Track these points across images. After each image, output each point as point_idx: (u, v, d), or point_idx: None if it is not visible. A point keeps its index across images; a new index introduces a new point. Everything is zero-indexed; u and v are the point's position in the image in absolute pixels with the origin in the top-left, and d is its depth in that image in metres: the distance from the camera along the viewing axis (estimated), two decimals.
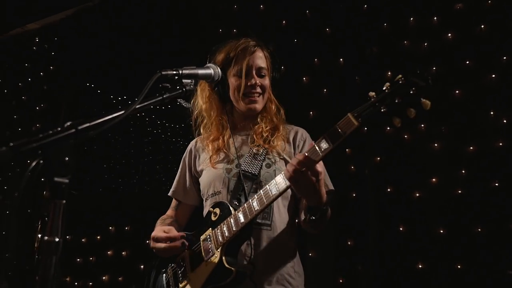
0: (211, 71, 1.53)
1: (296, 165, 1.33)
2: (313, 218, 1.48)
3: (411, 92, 1.23)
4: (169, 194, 1.96)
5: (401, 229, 2.67)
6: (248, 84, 1.70)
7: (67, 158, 0.92)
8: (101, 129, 1.02)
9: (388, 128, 2.74)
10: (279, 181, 1.45)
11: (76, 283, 3.84)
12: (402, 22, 2.89)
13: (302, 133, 1.81)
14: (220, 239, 1.55)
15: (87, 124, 0.99)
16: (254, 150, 1.70)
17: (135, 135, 3.95)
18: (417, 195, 2.69)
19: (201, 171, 1.82)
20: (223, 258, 1.52)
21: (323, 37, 3.14)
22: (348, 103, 2.92)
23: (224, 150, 1.76)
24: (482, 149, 2.57)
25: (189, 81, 1.35)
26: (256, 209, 1.47)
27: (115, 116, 1.06)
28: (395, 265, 2.63)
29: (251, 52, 1.72)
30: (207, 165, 1.77)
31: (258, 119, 1.77)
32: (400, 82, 1.25)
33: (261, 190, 1.49)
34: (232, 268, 1.48)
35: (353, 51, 3.01)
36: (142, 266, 3.54)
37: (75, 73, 4.31)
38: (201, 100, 1.83)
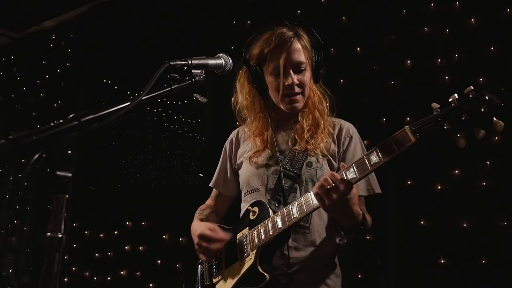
0: (222, 61, 1.47)
1: (323, 182, 1.25)
2: (347, 238, 1.39)
3: (482, 109, 1.08)
4: (210, 184, 1.93)
5: (422, 223, 2.58)
6: (286, 84, 1.59)
7: (70, 151, 0.89)
8: (105, 121, 0.99)
9: (408, 118, 2.64)
10: None
11: (95, 278, 3.88)
12: (422, 8, 2.77)
13: (349, 128, 1.71)
14: (256, 241, 1.51)
15: (91, 116, 0.95)
16: (297, 147, 1.63)
17: (152, 131, 3.96)
18: (439, 187, 2.59)
19: (241, 163, 1.77)
20: (258, 261, 1.48)
21: (340, 26, 3.05)
22: (365, 93, 2.87)
23: (266, 146, 1.69)
24: (508, 140, 2.45)
25: (199, 71, 1.31)
26: (295, 216, 1.41)
27: (120, 108, 1.02)
28: (415, 260, 2.55)
29: (287, 47, 1.59)
30: (247, 158, 1.71)
31: (299, 117, 1.69)
32: (470, 96, 1.10)
33: (302, 197, 1.43)
34: (266, 274, 1.44)
35: (371, 39, 2.91)
36: (159, 261, 3.55)
37: (92, 69, 4.34)
38: (241, 97, 1.76)
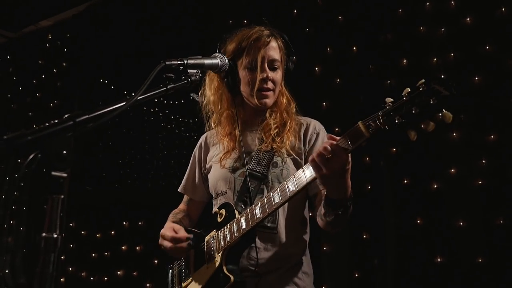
0: (217, 61, 1.48)
1: (322, 151, 1.23)
2: (335, 213, 1.36)
3: (431, 101, 1.09)
4: (179, 190, 1.92)
5: (418, 222, 2.59)
6: (260, 78, 1.59)
7: (65, 152, 0.88)
8: (101, 121, 0.98)
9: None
10: (282, 189, 1.38)
11: (91, 278, 3.87)
12: (417, 7, 2.78)
13: (315, 125, 1.71)
14: (222, 243, 1.52)
15: (86, 116, 0.95)
16: (263, 147, 1.63)
17: (149, 131, 3.95)
18: (435, 186, 2.60)
19: (210, 167, 1.77)
20: (223, 263, 1.49)
21: (336, 25, 3.06)
22: (361, 92, 2.87)
23: (234, 146, 1.69)
24: (503, 138, 2.47)
25: (195, 71, 1.31)
26: (258, 216, 1.42)
27: (116, 108, 1.02)
28: (412, 259, 2.56)
29: (265, 43, 1.60)
30: (215, 162, 1.71)
31: (267, 114, 1.68)
32: (420, 89, 1.11)
33: (264, 197, 1.44)
34: (231, 276, 1.44)
35: (367, 38, 2.92)
36: (156, 261, 3.54)
37: (88, 68, 4.32)
38: (209, 92, 1.74)
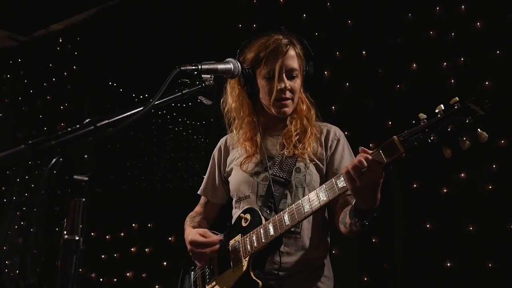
0: (230, 66, 1.50)
1: (357, 164, 1.24)
2: (362, 223, 1.38)
3: (467, 121, 1.11)
4: (199, 192, 1.96)
5: (428, 226, 2.59)
6: (278, 88, 1.63)
7: (86, 156, 0.91)
8: (120, 126, 1.01)
9: (413, 121, 2.65)
10: (313, 198, 1.40)
11: (101, 279, 3.90)
12: (427, 11, 2.78)
13: (335, 132, 1.74)
14: (249, 248, 1.53)
15: (106, 121, 0.97)
16: (285, 153, 1.66)
17: (157, 133, 3.98)
18: (445, 191, 2.59)
19: (231, 170, 1.79)
20: (250, 268, 1.50)
21: (345, 29, 3.07)
22: (371, 97, 2.88)
23: (255, 151, 1.72)
24: None
25: (208, 76, 1.33)
26: (287, 224, 1.44)
27: (134, 113, 1.05)
28: (422, 263, 2.56)
29: (283, 53, 1.63)
30: (236, 165, 1.74)
31: (288, 122, 1.72)
32: (455, 107, 1.13)
33: (293, 205, 1.45)
34: (259, 281, 1.46)
35: (376, 43, 2.92)
36: (165, 263, 3.57)
37: (98, 72, 4.37)
38: (231, 99, 1.79)
